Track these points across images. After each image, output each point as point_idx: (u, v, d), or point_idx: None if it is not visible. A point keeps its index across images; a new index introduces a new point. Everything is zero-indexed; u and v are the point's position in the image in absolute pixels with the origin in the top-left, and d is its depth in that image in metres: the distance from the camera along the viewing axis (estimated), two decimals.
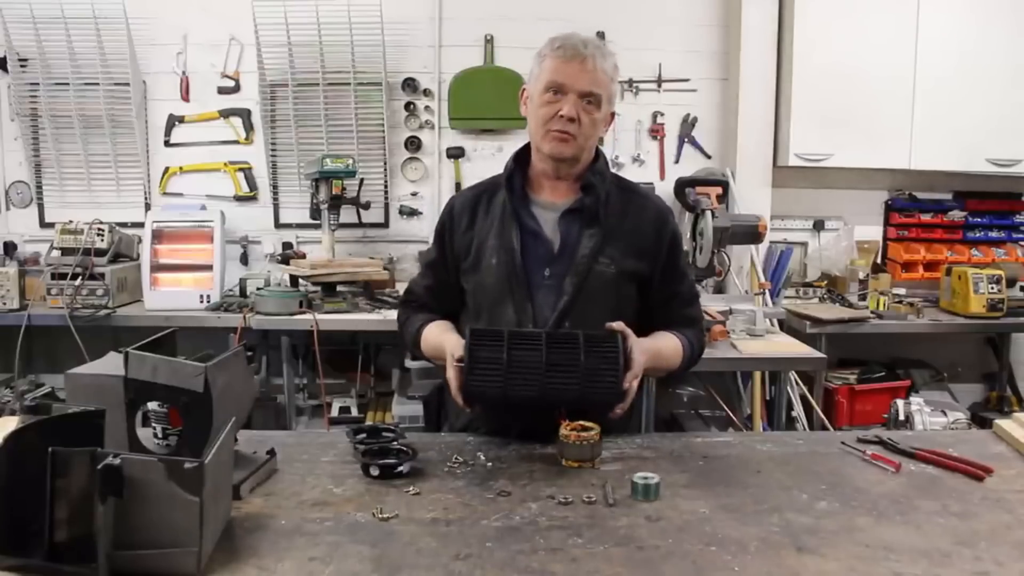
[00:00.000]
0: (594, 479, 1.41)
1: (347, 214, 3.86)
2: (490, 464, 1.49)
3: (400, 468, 1.41)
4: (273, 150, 4.04)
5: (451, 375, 1.55)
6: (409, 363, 3.49)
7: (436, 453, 1.55)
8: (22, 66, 3.91)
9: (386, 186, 4.09)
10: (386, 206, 4.13)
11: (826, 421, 3.62)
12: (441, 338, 1.69)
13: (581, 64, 1.62)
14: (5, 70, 3.92)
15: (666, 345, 1.72)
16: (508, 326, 1.66)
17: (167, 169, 4.06)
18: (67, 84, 3.91)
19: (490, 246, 1.72)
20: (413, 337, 1.81)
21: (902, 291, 3.81)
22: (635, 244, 1.72)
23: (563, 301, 1.67)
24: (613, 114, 1.75)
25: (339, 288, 3.53)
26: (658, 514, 1.27)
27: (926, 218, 4.23)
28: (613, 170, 1.88)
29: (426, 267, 1.91)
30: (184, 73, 4.01)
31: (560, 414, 1.53)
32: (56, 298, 3.39)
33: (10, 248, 3.83)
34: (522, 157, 1.78)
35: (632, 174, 4.03)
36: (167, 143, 4.05)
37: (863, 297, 3.89)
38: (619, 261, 1.70)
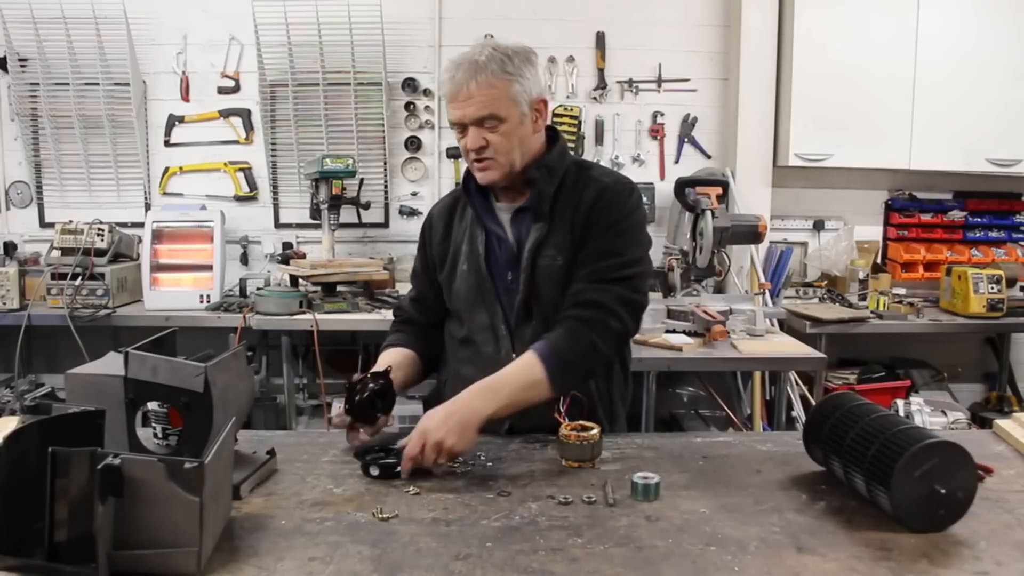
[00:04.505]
0: (594, 479, 1.41)
1: (347, 214, 3.86)
2: (490, 464, 1.49)
3: (399, 468, 1.41)
4: (273, 150, 4.04)
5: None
6: None
7: None
8: (22, 66, 3.91)
9: (386, 186, 4.09)
10: (386, 206, 4.13)
11: None
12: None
13: (460, 95, 1.58)
14: (5, 70, 3.92)
15: (493, 384, 1.53)
16: (483, 330, 1.71)
17: (167, 169, 4.06)
18: (67, 84, 3.91)
19: (463, 252, 1.73)
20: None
21: (902, 291, 3.81)
22: (576, 228, 1.66)
23: (517, 301, 1.67)
24: (545, 102, 1.67)
25: (339, 288, 3.53)
26: (658, 514, 1.27)
27: (926, 218, 4.23)
28: (616, 169, 1.85)
29: (412, 278, 1.93)
30: (184, 73, 4.01)
31: (560, 414, 1.53)
32: (56, 298, 3.39)
33: (10, 248, 3.82)
34: None
35: (632, 174, 4.01)
36: (167, 143, 4.06)
37: (863, 297, 3.89)
38: (565, 251, 1.65)
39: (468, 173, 1.74)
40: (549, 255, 1.65)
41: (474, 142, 1.60)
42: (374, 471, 1.41)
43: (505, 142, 1.61)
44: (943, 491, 1.17)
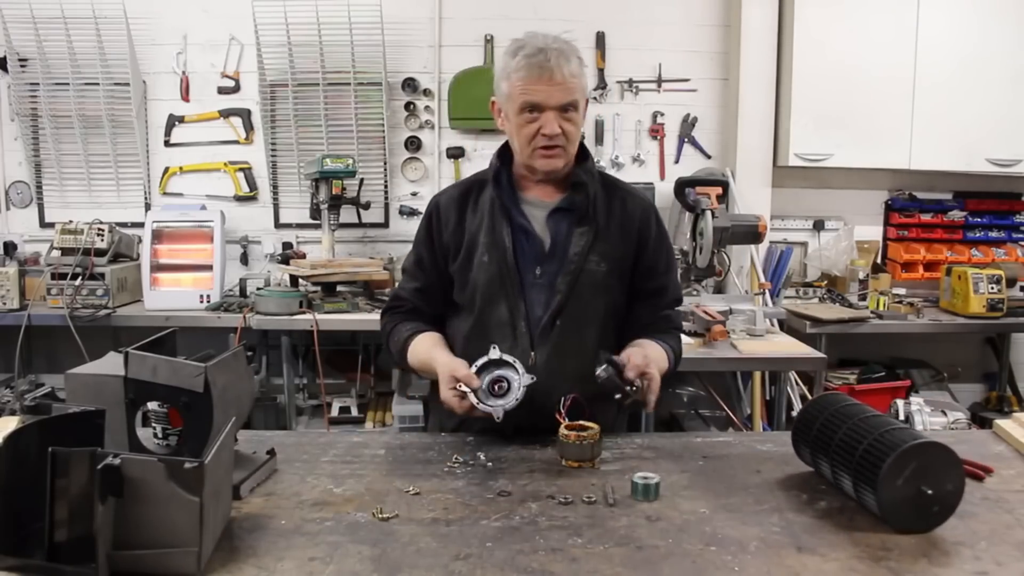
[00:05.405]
0: (594, 479, 1.41)
1: (347, 214, 3.86)
2: (490, 464, 1.49)
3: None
4: (273, 150, 4.04)
5: (447, 396, 1.53)
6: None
7: (436, 453, 1.55)
8: (22, 66, 3.91)
9: (386, 186, 4.10)
10: (386, 206, 4.13)
11: None
12: (431, 354, 1.66)
13: (551, 78, 1.58)
14: (5, 70, 3.92)
15: (656, 353, 1.69)
16: (500, 325, 1.67)
17: (167, 169, 4.06)
18: (67, 84, 3.91)
19: (481, 243, 1.70)
20: (400, 348, 1.76)
21: (902, 291, 3.81)
22: (623, 240, 1.72)
23: (556, 300, 1.67)
24: (587, 101, 1.73)
25: (339, 288, 3.54)
26: (658, 514, 1.27)
27: (926, 218, 4.23)
28: (612, 170, 1.88)
29: (413, 269, 1.82)
30: (184, 73, 4.01)
31: (560, 413, 1.53)
32: (56, 298, 3.39)
33: (10, 248, 3.83)
34: (505, 154, 1.76)
35: (632, 174, 4.03)
36: (167, 143, 4.06)
37: (863, 297, 3.90)
38: (609, 259, 1.70)
39: (499, 163, 1.74)
40: (594, 260, 1.68)
41: (556, 127, 1.61)
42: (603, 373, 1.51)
43: (576, 131, 1.66)
44: (930, 492, 1.18)
